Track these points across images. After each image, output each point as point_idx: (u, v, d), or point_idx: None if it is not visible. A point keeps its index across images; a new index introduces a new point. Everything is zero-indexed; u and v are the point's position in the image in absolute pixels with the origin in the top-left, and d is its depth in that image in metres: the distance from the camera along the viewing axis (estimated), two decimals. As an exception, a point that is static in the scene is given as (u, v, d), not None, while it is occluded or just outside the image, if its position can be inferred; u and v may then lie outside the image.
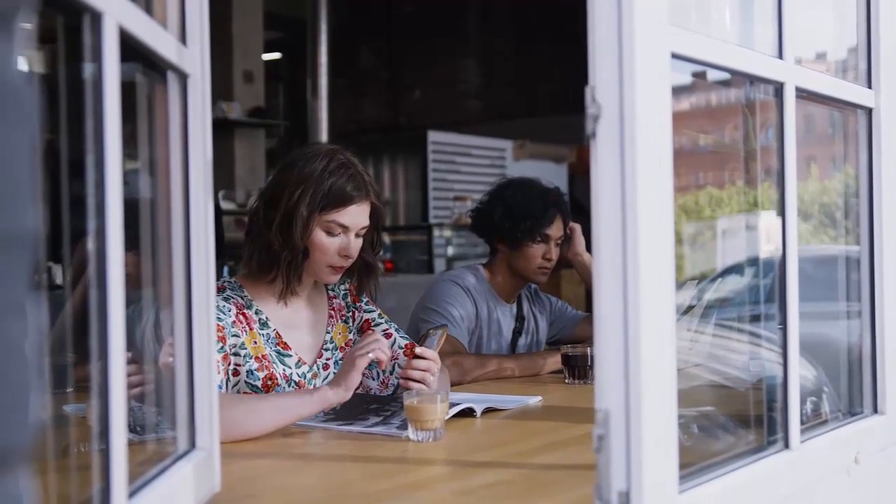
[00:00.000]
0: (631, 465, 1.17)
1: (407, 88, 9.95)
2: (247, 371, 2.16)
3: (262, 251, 2.21)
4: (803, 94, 1.58)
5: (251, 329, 2.20)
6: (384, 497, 1.52)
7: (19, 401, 0.56)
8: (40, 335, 0.59)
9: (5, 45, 0.55)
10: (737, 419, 1.72)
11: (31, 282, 0.58)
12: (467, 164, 8.27)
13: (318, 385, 2.25)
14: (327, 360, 2.33)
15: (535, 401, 2.36)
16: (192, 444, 1.38)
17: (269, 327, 2.23)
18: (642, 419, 1.16)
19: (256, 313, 2.23)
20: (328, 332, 2.35)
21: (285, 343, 2.25)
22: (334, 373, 2.29)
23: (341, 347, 2.36)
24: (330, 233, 2.20)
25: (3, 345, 0.54)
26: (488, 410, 2.18)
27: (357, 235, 2.24)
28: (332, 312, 2.38)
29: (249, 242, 2.24)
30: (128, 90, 1.09)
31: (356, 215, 2.21)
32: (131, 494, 1.10)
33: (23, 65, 0.57)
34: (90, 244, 1.02)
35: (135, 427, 1.34)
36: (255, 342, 2.19)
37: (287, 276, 2.21)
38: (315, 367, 2.29)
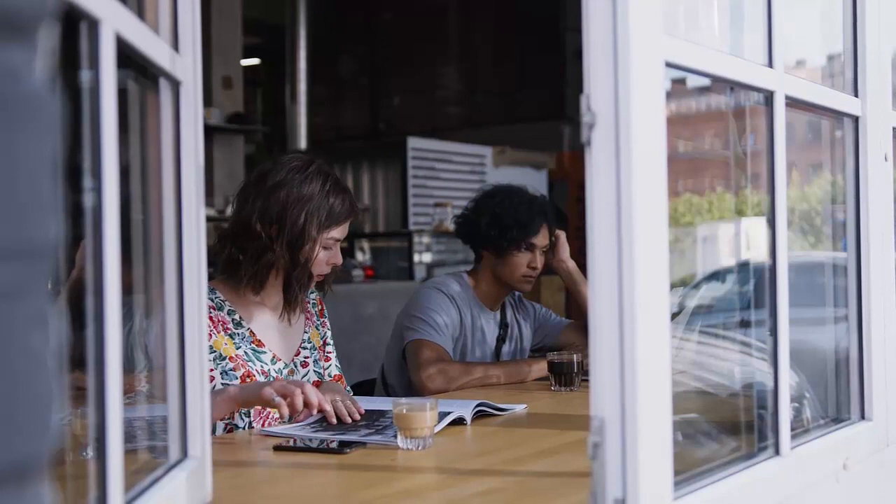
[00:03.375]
0: (626, 472, 1.17)
1: (386, 95, 9.96)
2: (221, 372, 2.21)
3: (265, 269, 2.27)
4: (791, 103, 1.59)
5: (219, 332, 2.25)
6: (376, 505, 1.52)
7: (43, 411, 0.56)
8: (59, 345, 0.59)
9: (27, 55, 0.55)
10: (726, 426, 1.72)
11: (51, 292, 0.57)
12: (447, 171, 8.27)
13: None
14: (305, 357, 2.41)
15: (521, 408, 2.36)
16: (185, 454, 1.37)
17: (243, 327, 2.29)
18: (638, 426, 1.16)
19: (229, 314, 2.29)
20: (306, 332, 2.44)
21: (259, 341, 2.31)
22: (314, 370, 2.41)
23: (319, 348, 2.46)
24: (326, 248, 2.31)
25: (27, 355, 0.54)
26: (479, 415, 2.19)
27: (341, 244, 2.37)
28: (308, 315, 2.47)
29: (250, 261, 2.26)
30: (119, 97, 1.09)
31: (346, 228, 2.36)
32: (126, 504, 1.09)
33: (44, 74, 0.57)
34: (87, 250, 1.01)
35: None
36: (226, 344, 2.25)
37: (297, 294, 2.31)
38: (292, 365, 2.37)
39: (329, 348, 2.51)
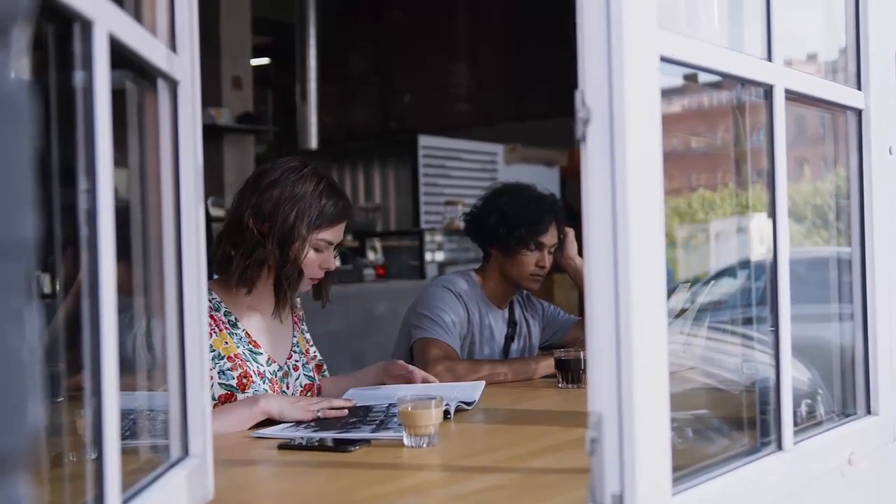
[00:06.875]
0: (624, 467, 1.17)
1: (397, 93, 9.95)
2: (219, 371, 2.24)
3: (255, 266, 2.29)
4: (793, 96, 1.58)
5: (221, 331, 2.28)
6: (379, 502, 1.52)
7: (18, 407, 0.56)
8: (37, 342, 0.59)
9: (3, 55, 0.55)
10: (730, 421, 1.72)
11: (29, 289, 0.58)
12: (458, 169, 8.26)
13: (290, 384, 2.39)
14: (296, 361, 2.45)
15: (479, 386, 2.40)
16: (186, 452, 1.38)
17: (239, 328, 2.32)
18: (635, 422, 1.16)
19: (226, 315, 2.32)
20: (294, 337, 2.48)
21: (255, 342, 2.34)
22: (304, 374, 2.45)
23: (305, 352, 2.50)
24: (317, 249, 2.33)
25: (3, 352, 0.54)
26: (460, 410, 2.23)
27: (335, 248, 2.38)
28: (296, 320, 2.52)
29: (241, 257, 2.28)
30: (117, 97, 1.09)
31: (341, 232, 2.37)
32: (125, 502, 1.09)
33: (20, 74, 0.58)
34: (82, 253, 1.01)
35: (124, 434, 1.34)
36: (227, 343, 2.28)
37: (287, 291, 2.32)
38: (286, 367, 2.40)
39: (312, 352, 2.56)
